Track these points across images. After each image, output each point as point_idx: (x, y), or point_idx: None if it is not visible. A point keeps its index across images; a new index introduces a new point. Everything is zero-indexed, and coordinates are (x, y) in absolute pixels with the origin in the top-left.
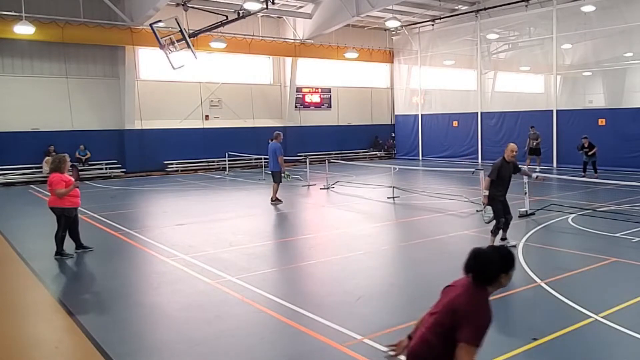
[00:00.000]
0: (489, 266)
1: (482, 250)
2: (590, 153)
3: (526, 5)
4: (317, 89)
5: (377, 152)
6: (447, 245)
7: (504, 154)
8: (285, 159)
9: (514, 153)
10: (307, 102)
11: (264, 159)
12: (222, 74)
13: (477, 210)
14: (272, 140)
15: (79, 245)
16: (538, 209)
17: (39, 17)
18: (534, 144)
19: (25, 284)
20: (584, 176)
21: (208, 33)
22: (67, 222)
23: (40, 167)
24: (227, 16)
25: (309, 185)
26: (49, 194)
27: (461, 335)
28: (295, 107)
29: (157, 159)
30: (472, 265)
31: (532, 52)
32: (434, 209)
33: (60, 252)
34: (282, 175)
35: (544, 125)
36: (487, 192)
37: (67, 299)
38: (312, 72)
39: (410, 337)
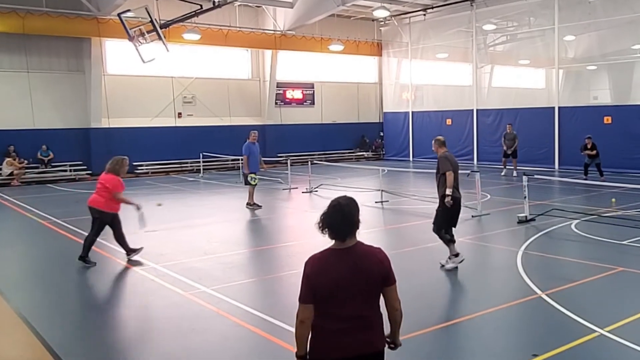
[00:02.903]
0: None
1: (342, 205)
2: (591, 154)
3: None
4: (299, 84)
5: (364, 153)
6: (439, 254)
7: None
8: (265, 160)
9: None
10: (288, 98)
11: (242, 160)
12: (196, 68)
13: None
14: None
15: (129, 251)
16: (538, 215)
17: None
18: (509, 148)
19: None
20: (585, 179)
21: (181, 24)
22: (102, 227)
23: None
24: (201, 5)
25: (290, 189)
26: (94, 192)
27: None
28: (276, 103)
29: None
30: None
31: (532, 44)
32: (425, 215)
33: (84, 258)
34: (248, 179)
35: (544, 123)
36: (450, 191)
37: (28, 312)
38: (294, 66)
39: None
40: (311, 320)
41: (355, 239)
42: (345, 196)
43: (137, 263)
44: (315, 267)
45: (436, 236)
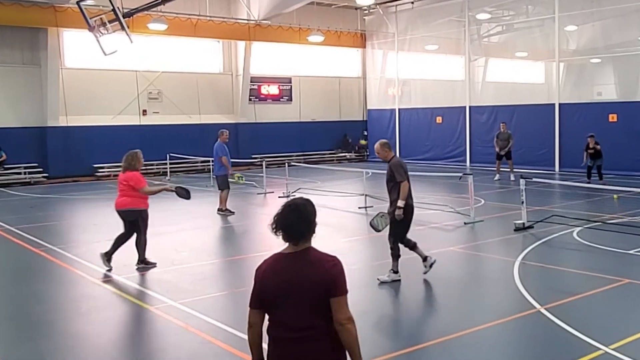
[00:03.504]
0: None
1: (298, 205)
2: (593, 153)
3: None
4: (276, 79)
5: (346, 154)
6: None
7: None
8: (238, 162)
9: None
10: (263, 94)
11: (212, 161)
12: (163, 61)
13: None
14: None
15: (142, 260)
16: (537, 221)
17: None
18: (502, 149)
19: None
20: (588, 182)
21: (146, 12)
22: (146, 224)
23: None
24: None
25: (265, 193)
26: (120, 194)
27: None
28: (250, 100)
29: (86, 162)
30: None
31: (530, 35)
32: (413, 221)
33: (144, 260)
34: (231, 178)
35: (544, 121)
36: (403, 203)
37: None
38: (270, 59)
39: None
40: (259, 326)
41: (309, 244)
42: (301, 197)
43: (99, 274)
44: (262, 271)
45: (423, 244)
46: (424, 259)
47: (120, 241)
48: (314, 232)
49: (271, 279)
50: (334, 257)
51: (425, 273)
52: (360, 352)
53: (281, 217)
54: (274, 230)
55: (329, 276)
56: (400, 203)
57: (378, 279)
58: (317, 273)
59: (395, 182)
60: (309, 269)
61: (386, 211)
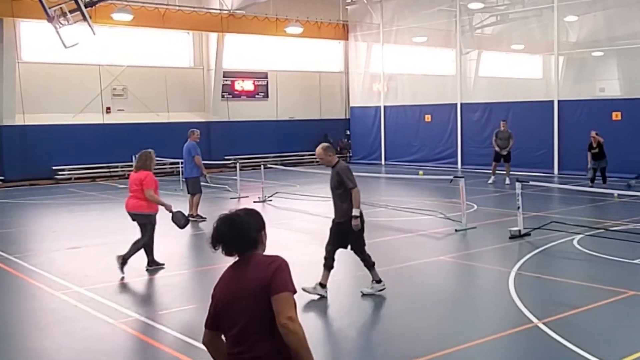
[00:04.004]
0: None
1: (232, 217)
2: (597, 153)
3: None
4: (250, 73)
5: None
6: (417, 275)
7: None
8: (210, 164)
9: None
10: (237, 90)
11: (182, 163)
12: (128, 54)
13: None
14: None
15: (152, 261)
16: (535, 228)
17: None
18: (502, 149)
19: None
20: (591, 186)
21: (109, 2)
22: (153, 231)
23: None
24: None
25: (239, 198)
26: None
27: None
28: (222, 96)
29: (45, 164)
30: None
31: (527, 26)
32: (400, 228)
33: (154, 262)
34: (203, 179)
35: (542, 120)
36: (358, 212)
37: None
38: (244, 52)
39: None
40: (213, 346)
41: (255, 251)
42: (245, 208)
43: (58, 285)
44: (216, 286)
45: (411, 254)
46: (378, 280)
47: (148, 246)
48: (256, 244)
49: (218, 293)
50: (276, 256)
51: (364, 294)
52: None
53: (214, 229)
54: (211, 244)
55: (267, 272)
56: (356, 212)
57: (361, 292)
58: (255, 277)
59: (345, 189)
60: (248, 275)
61: (335, 221)
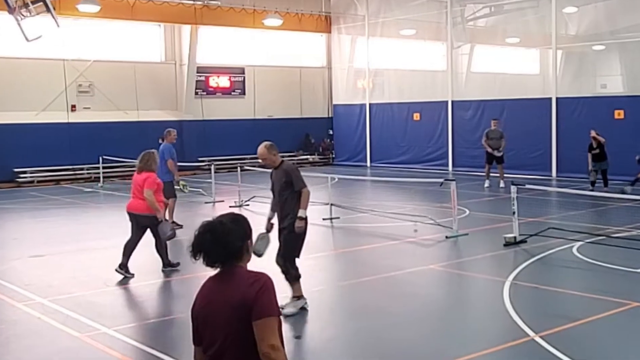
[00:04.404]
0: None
1: (214, 225)
2: (598, 153)
3: None
4: (226, 69)
5: (308, 157)
6: (405, 286)
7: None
8: (183, 166)
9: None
10: (212, 87)
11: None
12: (95, 48)
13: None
14: (162, 140)
15: (167, 263)
16: (531, 235)
17: None
18: (495, 149)
19: None
20: (592, 190)
21: None
22: (159, 232)
23: None
24: None
25: (214, 202)
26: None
27: None
28: (196, 93)
29: (5, 166)
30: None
31: (523, 18)
32: (387, 235)
33: (169, 263)
34: (177, 186)
35: (539, 118)
36: (305, 213)
37: None
38: (219, 46)
39: None
40: None
41: (239, 262)
42: (231, 214)
43: (20, 296)
44: (195, 299)
45: (398, 262)
46: (299, 296)
47: (130, 248)
48: (240, 255)
49: (196, 307)
50: (261, 273)
51: (286, 316)
52: None
53: (195, 237)
54: (192, 253)
55: (248, 295)
56: (303, 213)
57: (282, 310)
58: (236, 295)
59: (293, 191)
60: (229, 291)
61: (280, 227)
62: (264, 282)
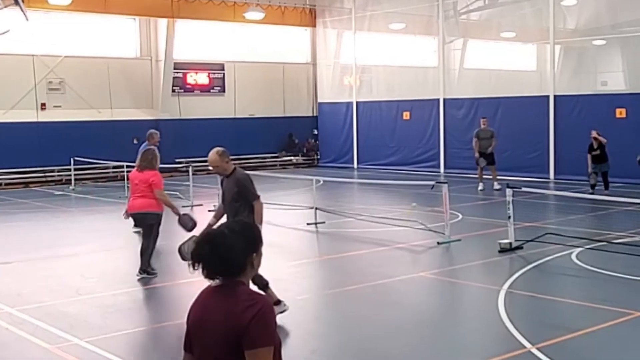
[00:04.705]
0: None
1: (213, 235)
2: (599, 154)
3: None
4: (205, 65)
5: (291, 158)
6: (394, 294)
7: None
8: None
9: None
10: (189, 84)
11: (128, 167)
12: (66, 43)
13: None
14: (137, 140)
15: (144, 270)
16: (528, 241)
17: None
18: (486, 147)
19: None
20: (592, 193)
21: None
22: (158, 231)
23: None
24: None
25: (192, 206)
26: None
27: None
28: (173, 91)
29: None
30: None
31: (519, 11)
32: (375, 241)
33: (146, 270)
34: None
35: (536, 117)
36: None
37: None
38: (198, 41)
39: None
40: None
41: (242, 278)
42: (239, 222)
43: None
44: (192, 304)
45: (387, 270)
46: (277, 301)
47: (146, 251)
48: (242, 270)
49: (191, 315)
50: (259, 297)
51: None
52: None
53: (195, 245)
54: (189, 262)
55: (241, 321)
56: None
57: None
58: (230, 314)
59: (245, 202)
60: (222, 309)
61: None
62: (259, 308)
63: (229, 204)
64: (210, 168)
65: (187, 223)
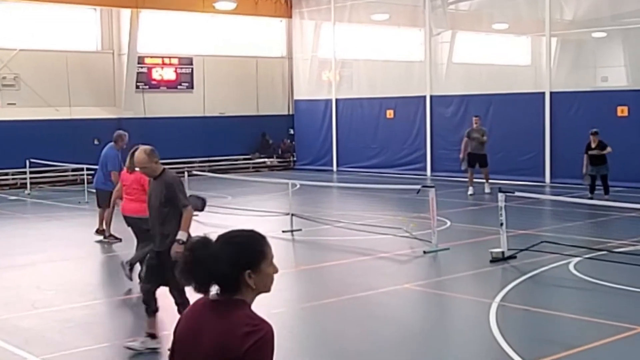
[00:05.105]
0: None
1: (199, 246)
2: (597, 157)
3: None
4: (172, 58)
5: (265, 160)
6: (376, 308)
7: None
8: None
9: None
10: (155, 80)
11: (88, 169)
12: (21, 35)
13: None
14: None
15: (130, 268)
16: (521, 250)
17: None
18: (479, 148)
19: None
20: (591, 197)
21: None
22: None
23: None
24: None
25: None
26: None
27: None
28: (137, 87)
29: None
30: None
31: (512, 1)
32: (356, 250)
33: (130, 268)
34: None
35: (530, 116)
36: (186, 236)
37: None
38: (164, 33)
39: None
40: None
41: (242, 296)
42: (233, 232)
43: None
44: (180, 318)
45: (369, 281)
46: (151, 335)
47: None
48: (235, 286)
49: (181, 326)
50: (263, 323)
51: (128, 348)
52: None
53: (181, 259)
54: (177, 274)
55: (241, 345)
56: (183, 235)
57: (126, 347)
58: (227, 336)
59: (174, 207)
60: (219, 326)
61: (155, 250)
62: (261, 336)
63: (157, 209)
64: (137, 169)
65: (197, 203)
